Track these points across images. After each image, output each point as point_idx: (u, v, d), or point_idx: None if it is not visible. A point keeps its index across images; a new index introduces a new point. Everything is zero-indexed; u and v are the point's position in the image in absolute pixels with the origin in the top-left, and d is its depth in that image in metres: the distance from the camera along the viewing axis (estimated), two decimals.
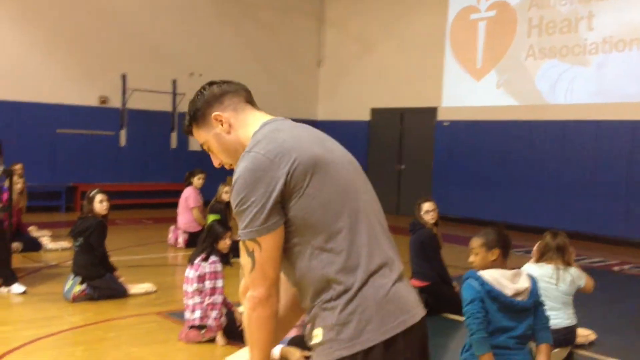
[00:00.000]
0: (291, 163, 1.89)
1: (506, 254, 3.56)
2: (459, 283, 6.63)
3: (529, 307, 3.41)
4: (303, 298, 2.01)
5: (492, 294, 3.32)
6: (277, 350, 4.38)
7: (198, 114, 2.09)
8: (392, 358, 1.90)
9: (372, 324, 1.88)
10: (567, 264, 4.99)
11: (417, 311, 1.99)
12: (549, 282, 4.88)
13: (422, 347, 2.01)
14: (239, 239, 1.95)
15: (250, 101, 2.13)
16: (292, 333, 4.51)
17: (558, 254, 4.99)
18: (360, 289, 1.89)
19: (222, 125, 2.06)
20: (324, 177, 1.92)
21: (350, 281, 1.89)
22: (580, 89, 12.18)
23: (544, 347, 3.49)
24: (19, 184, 8.84)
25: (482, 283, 3.35)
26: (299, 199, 1.89)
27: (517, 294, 3.37)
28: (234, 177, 1.94)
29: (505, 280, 3.39)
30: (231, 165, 2.11)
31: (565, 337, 4.84)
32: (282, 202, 1.89)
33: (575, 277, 4.97)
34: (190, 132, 2.15)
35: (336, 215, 1.92)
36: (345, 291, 1.89)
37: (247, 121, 2.06)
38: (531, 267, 4.98)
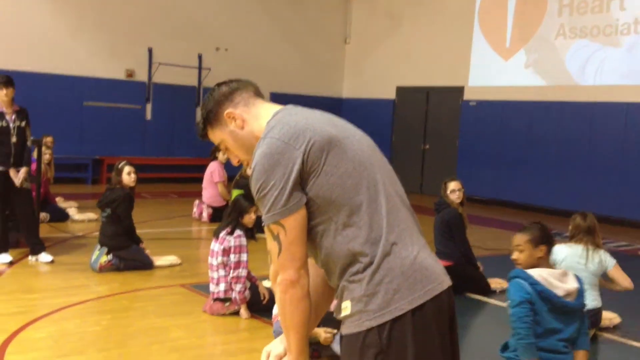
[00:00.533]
0: (306, 143, 1.91)
1: (551, 250, 3.43)
2: (483, 263, 6.67)
3: (579, 309, 3.30)
4: (331, 276, 2.03)
5: (544, 295, 3.20)
6: None
7: (211, 115, 2.12)
8: (421, 326, 1.91)
9: (400, 293, 1.90)
10: (597, 245, 5.00)
11: (443, 279, 2.00)
12: (578, 262, 4.91)
13: (449, 316, 2.01)
14: (263, 225, 1.96)
15: (259, 95, 2.16)
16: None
17: (588, 236, 5.03)
18: (385, 259, 1.91)
19: (235, 121, 2.09)
20: (339, 153, 1.94)
21: (375, 253, 1.91)
22: (611, 70, 11.98)
23: (582, 354, 3.36)
24: (46, 155, 8.94)
25: (533, 283, 3.22)
26: (317, 178, 1.92)
27: (568, 294, 3.26)
28: (252, 165, 1.96)
29: (555, 281, 3.27)
30: (249, 162, 2.12)
31: (590, 319, 4.81)
32: (302, 183, 1.92)
33: (603, 259, 4.99)
34: (206, 136, 2.17)
35: (355, 189, 1.94)
36: (371, 263, 1.91)
37: (260, 114, 2.09)
38: (561, 247, 4.96)
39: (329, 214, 1.93)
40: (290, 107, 2.09)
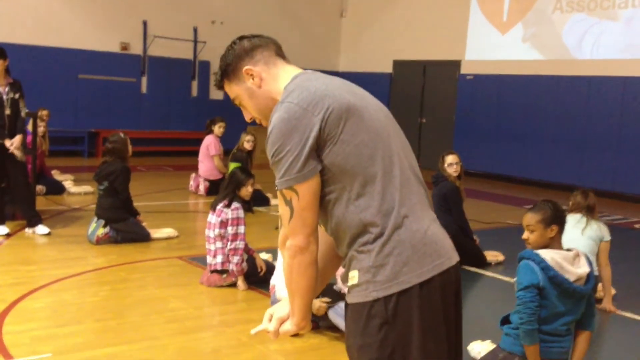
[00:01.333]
0: (325, 110, 1.89)
1: (562, 229, 3.31)
2: (479, 237, 6.71)
3: (587, 293, 3.22)
4: (340, 244, 2.02)
5: (556, 280, 3.11)
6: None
7: (229, 69, 2.09)
8: (428, 300, 1.91)
9: (409, 266, 1.90)
10: (594, 219, 5.20)
11: (452, 255, 2.00)
12: (575, 226, 5.05)
13: (456, 291, 2.02)
14: (276, 189, 1.94)
15: (280, 55, 2.12)
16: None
17: (588, 213, 5.17)
18: (396, 231, 1.91)
19: (253, 79, 2.06)
20: (357, 122, 1.92)
21: (386, 224, 1.91)
22: (608, 44, 11.93)
23: (587, 334, 3.32)
24: (41, 127, 8.89)
25: (545, 268, 3.13)
26: (334, 146, 1.89)
27: (579, 279, 3.17)
28: (269, 129, 1.93)
29: (567, 265, 3.17)
30: (262, 120, 2.11)
31: None
32: (318, 150, 1.90)
33: (601, 227, 5.15)
34: (222, 87, 2.15)
35: (371, 159, 1.92)
36: (382, 234, 1.91)
37: (278, 75, 2.06)
38: None
39: (342, 182, 1.92)
40: (310, 72, 2.06)
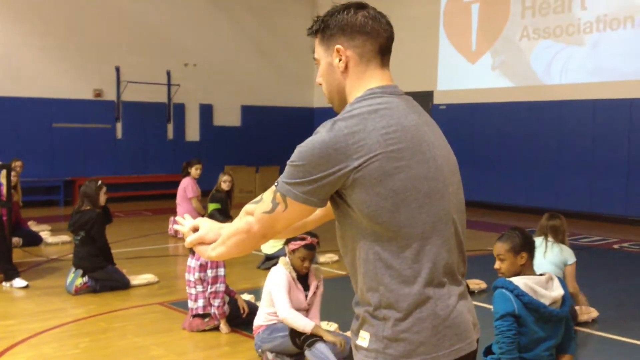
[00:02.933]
0: (366, 158, 1.72)
1: (533, 256, 3.34)
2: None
3: (563, 316, 3.23)
4: (354, 280, 1.90)
5: (531, 305, 3.12)
6: (308, 326, 4.29)
7: (327, 32, 1.91)
8: None
9: (425, 346, 1.77)
10: (559, 241, 5.21)
11: (473, 337, 1.87)
12: (538, 250, 5.02)
13: None
14: (276, 185, 1.83)
15: (383, 52, 1.92)
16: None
17: (551, 233, 5.21)
18: (418, 308, 1.77)
19: (340, 60, 1.89)
20: (402, 181, 1.74)
21: (408, 295, 1.77)
22: (576, 68, 12.17)
23: (568, 358, 3.32)
24: (13, 178, 8.80)
25: (519, 295, 3.13)
26: (366, 195, 1.74)
27: (554, 302, 3.19)
28: (309, 140, 1.77)
29: (541, 289, 3.18)
30: (326, 96, 1.99)
31: None
32: (344, 190, 1.76)
33: (564, 250, 5.19)
34: (314, 35, 1.96)
35: (409, 220, 1.76)
36: (401, 305, 1.77)
37: (364, 77, 1.89)
38: None
39: (371, 230, 1.77)
40: (385, 100, 1.83)
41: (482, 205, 13.36)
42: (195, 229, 2.01)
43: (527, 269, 3.32)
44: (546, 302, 3.18)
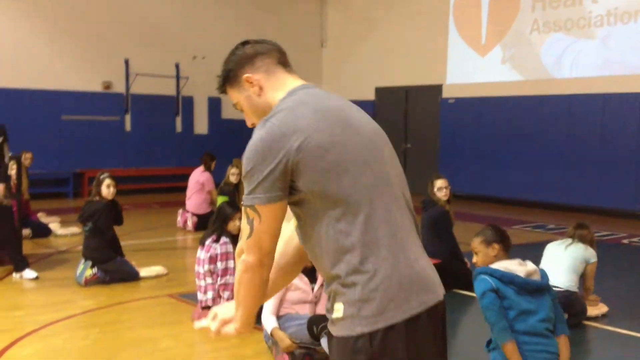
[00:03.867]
0: (303, 138, 1.86)
1: (506, 248, 3.55)
2: (469, 259, 6.70)
3: (545, 286, 3.36)
4: (319, 266, 1.99)
5: (505, 279, 3.29)
6: (269, 327, 4.37)
7: (230, 75, 2.08)
8: (413, 336, 1.89)
9: (395, 302, 1.87)
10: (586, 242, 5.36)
11: (439, 290, 1.99)
12: (559, 245, 5.29)
13: (442, 326, 2.01)
14: (242, 204, 1.94)
15: (283, 63, 2.10)
16: (306, 311, 4.51)
17: (578, 239, 5.36)
18: (382, 265, 1.88)
19: (252, 87, 2.05)
20: (340, 151, 1.89)
21: (371, 256, 1.88)
22: (586, 62, 12.09)
23: (564, 339, 3.43)
24: (14, 170, 8.77)
25: (492, 273, 3.34)
26: (313, 174, 1.87)
27: (529, 274, 3.35)
28: (248, 145, 1.92)
29: (513, 266, 3.38)
30: None
31: (561, 300, 4.91)
32: (292, 176, 1.88)
33: (588, 249, 5.27)
34: (225, 92, 2.14)
35: (353, 187, 1.89)
36: (367, 268, 1.87)
37: (278, 85, 2.05)
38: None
39: (323, 208, 1.89)
40: (306, 91, 2.02)
41: (489, 200, 13.32)
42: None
43: (500, 260, 3.49)
44: (520, 274, 3.34)
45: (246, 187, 1.92)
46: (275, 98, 2.03)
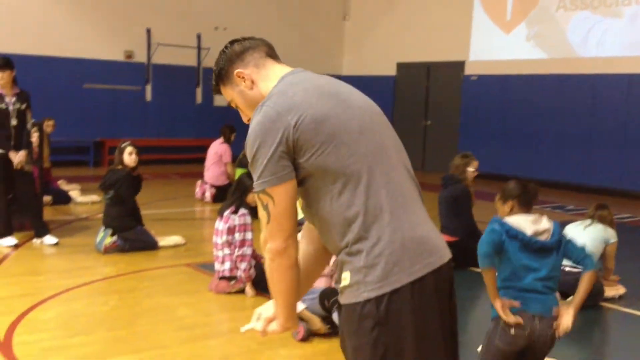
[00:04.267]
0: (299, 115, 1.91)
1: (522, 204, 3.46)
2: None
3: (550, 247, 3.32)
4: (329, 243, 2.03)
5: (511, 233, 3.28)
6: (298, 308, 4.40)
7: (222, 73, 2.14)
8: (419, 299, 1.91)
9: (399, 265, 1.90)
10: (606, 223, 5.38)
11: (444, 253, 2.00)
12: (578, 226, 5.32)
13: (449, 289, 2.02)
14: (254, 192, 1.98)
15: (271, 55, 2.15)
16: (322, 284, 4.55)
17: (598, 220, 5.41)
18: (385, 231, 1.91)
19: (244, 82, 2.10)
20: (334, 126, 1.93)
21: (374, 223, 1.91)
22: (612, 41, 11.90)
23: (588, 275, 3.36)
24: (34, 137, 8.83)
25: (502, 224, 3.33)
26: (313, 148, 1.91)
27: (536, 234, 3.31)
28: (248, 132, 1.97)
29: (524, 222, 3.34)
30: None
31: (576, 276, 4.94)
32: (294, 153, 1.92)
33: (607, 229, 5.29)
34: (219, 91, 2.20)
35: (352, 157, 1.93)
36: (371, 235, 1.91)
37: (269, 76, 2.09)
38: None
39: (325, 182, 1.93)
40: (296, 74, 2.08)
41: (510, 179, 13.18)
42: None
43: (516, 214, 3.45)
44: (527, 232, 3.30)
45: (254, 174, 1.95)
46: (267, 88, 2.07)
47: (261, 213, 1.96)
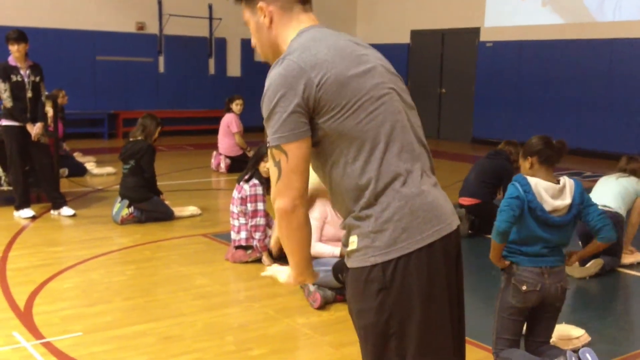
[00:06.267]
0: (322, 74, 1.85)
1: (544, 161, 3.39)
2: None
3: (566, 223, 3.31)
4: (339, 206, 2.01)
5: (531, 205, 3.24)
6: (336, 252, 4.55)
7: None
8: (427, 266, 1.90)
9: (408, 231, 1.88)
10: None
11: (452, 220, 1.98)
12: (611, 176, 5.38)
13: (457, 256, 2.01)
14: (267, 146, 1.91)
15: (302, 1, 2.03)
16: (337, 251, 4.54)
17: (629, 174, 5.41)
18: (395, 197, 1.89)
19: (264, 17, 2.01)
20: (356, 87, 1.88)
21: (385, 189, 1.89)
22: (630, 4, 11.67)
23: (598, 243, 3.41)
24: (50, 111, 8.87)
25: (526, 191, 3.26)
26: (332, 110, 1.86)
27: (555, 210, 3.28)
28: (266, 85, 1.89)
29: (546, 195, 3.28)
30: (261, 55, 2.10)
31: (611, 219, 4.97)
32: (312, 112, 1.87)
33: (638, 182, 5.31)
34: (239, 2, 2.10)
35: (369, 123, 1.89)
36: (380, 199, 1.89)
37: (291, 24, 2.01)
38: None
39: (340, 146, 1.89)
40: (317, 30, 1.99)
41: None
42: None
43: (539, 173, 3.39)
44: (547, 207, 3.27)
45: (269, 128, 1.88)
46: (284, 36, 2.00)
47: (272, 170, 1.91)
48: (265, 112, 1.89)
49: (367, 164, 1.88)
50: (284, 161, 1.87)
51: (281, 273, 2.16)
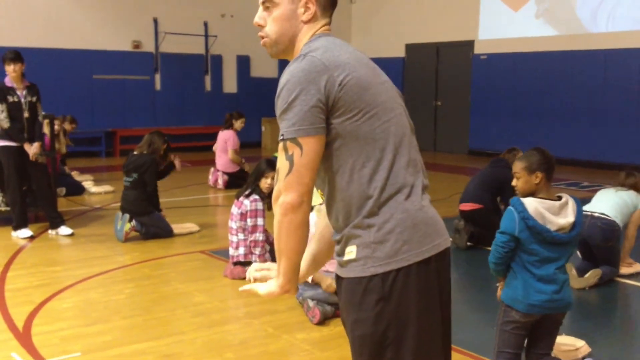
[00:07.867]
0: (345, 74, 1.86)
1: (550, 177, 3.38)
2: None
3: (572, 240, 3.31)
4: (336, 214, 1.98)
5: (535, 229, 3.21)
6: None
7: None
8: (425, 279, 1.92)
9: (409, 244, 1.90)
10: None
11: (447, 236, 2.04)
12: (610, 189, 5.37)
13: (448, 273, 2.05)
14: (280, 139, 1.87)
15: (333, 5, 2.06)
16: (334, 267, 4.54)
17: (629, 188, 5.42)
18: (399, 209, 1.91)
19: (305, 11, 1.98)
20: (373, 96, 1.90)
21: (389, 201, 1.90)
22: (623, 15, 11.76)
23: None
24: (57, 126, 8.95)
25: (525, 218, 3.21)
26: (349, 113, 1.86)
27: (560, 229, 3.24)
28: (284, 78, 1.86)
29: (550, 215, 3.24)
30: (265, 42, 2.03)
31: (605, 227, 5.03)
32: (329, 111, 1.86)
33: (638, 196, 5.32)
34: None
35: (383, 133, 1.91)
36: (384, 210, 1.90)
37: (316, 26, 2.01)
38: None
39: (350, 150, 1.88)
40: (334, 38, 2.00)
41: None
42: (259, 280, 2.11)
43: (542, 189, 3.35)
44: (552, 227, 3.23)
45: (286, 120, 1.85)
46: (306, 35, 1.99)
47: (282, 163, 1.86)
48: (282, 104, 1.86)
49: (375, 173, 1.89)
50: (298, 155, 1.84)
51: (260, 286, 2.04)
